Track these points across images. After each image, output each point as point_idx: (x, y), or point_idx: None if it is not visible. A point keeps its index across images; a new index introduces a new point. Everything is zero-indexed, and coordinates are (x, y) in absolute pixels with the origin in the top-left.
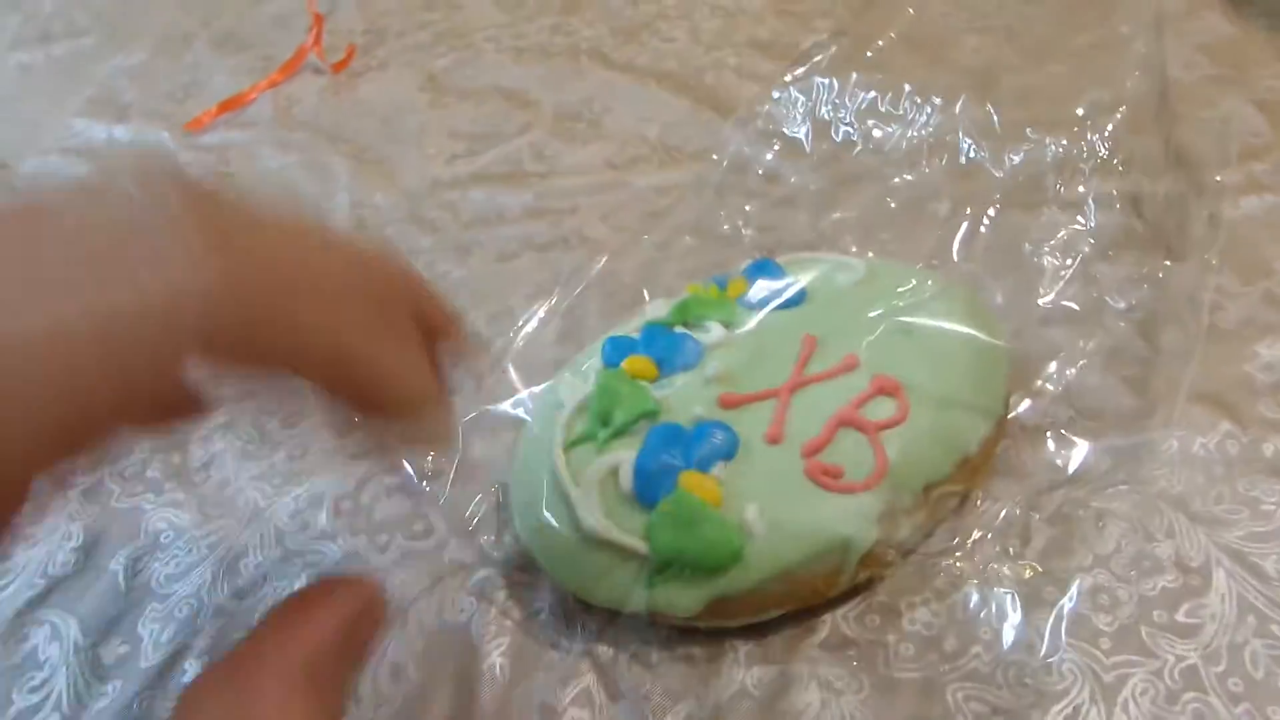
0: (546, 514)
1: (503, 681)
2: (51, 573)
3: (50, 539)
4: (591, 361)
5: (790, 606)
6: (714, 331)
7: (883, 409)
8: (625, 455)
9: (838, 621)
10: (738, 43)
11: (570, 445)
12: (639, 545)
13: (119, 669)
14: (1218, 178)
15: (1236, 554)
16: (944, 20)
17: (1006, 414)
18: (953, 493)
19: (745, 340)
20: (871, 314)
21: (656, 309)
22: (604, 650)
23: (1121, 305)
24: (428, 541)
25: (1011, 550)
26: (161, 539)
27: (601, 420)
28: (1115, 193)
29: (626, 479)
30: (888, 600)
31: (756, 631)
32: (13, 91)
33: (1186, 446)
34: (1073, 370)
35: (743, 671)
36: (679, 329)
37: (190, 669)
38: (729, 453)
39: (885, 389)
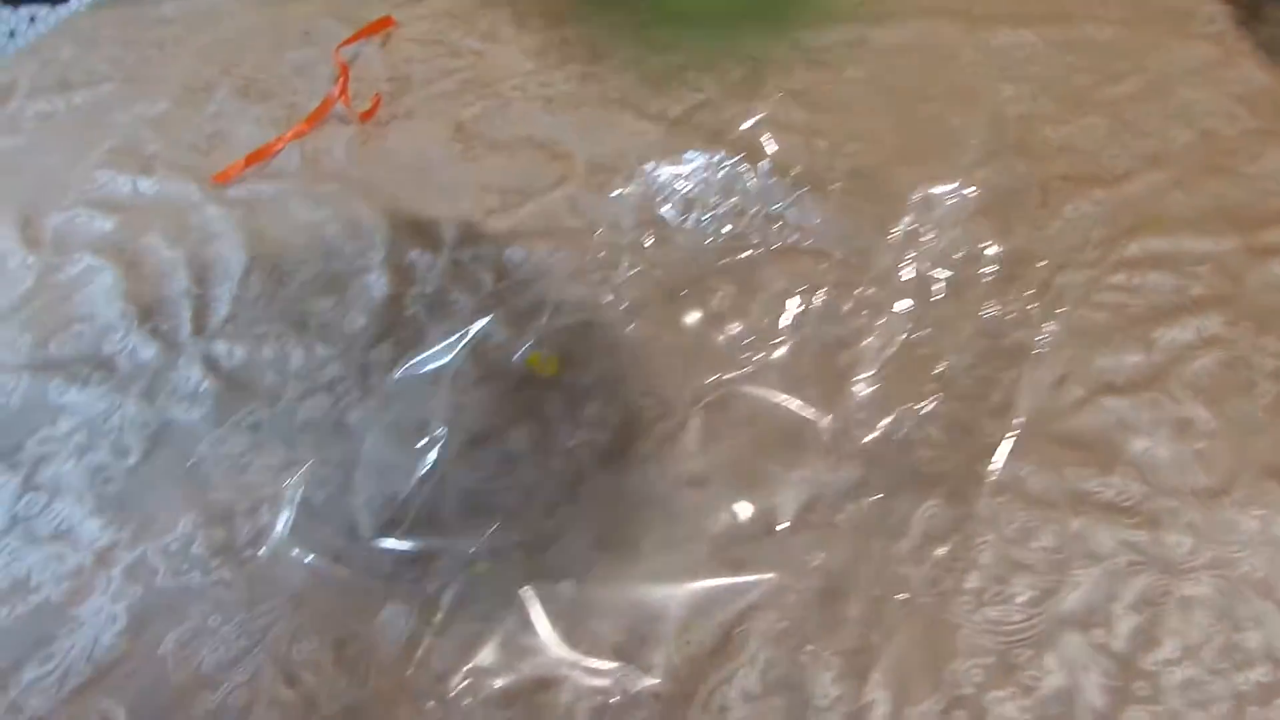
0: None
1: None
2: (97, 658)
3: (94, 621)
4: None
5: None
6: None
7: None
8: None
9: None
10: (767, 95)
11: None
12: None
13: None
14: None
15: None
16: (974, 69)
17: None
18: None
19: None
20: None
21: None
22: None
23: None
24: None
25: (1095, 637)
26: (209, 622)
27: None
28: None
29: None
30: (974, 693)
31: None
32: (33, 141)
33: (1267, 526)
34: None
35: None
36: None
37: None
38: None
39: None
